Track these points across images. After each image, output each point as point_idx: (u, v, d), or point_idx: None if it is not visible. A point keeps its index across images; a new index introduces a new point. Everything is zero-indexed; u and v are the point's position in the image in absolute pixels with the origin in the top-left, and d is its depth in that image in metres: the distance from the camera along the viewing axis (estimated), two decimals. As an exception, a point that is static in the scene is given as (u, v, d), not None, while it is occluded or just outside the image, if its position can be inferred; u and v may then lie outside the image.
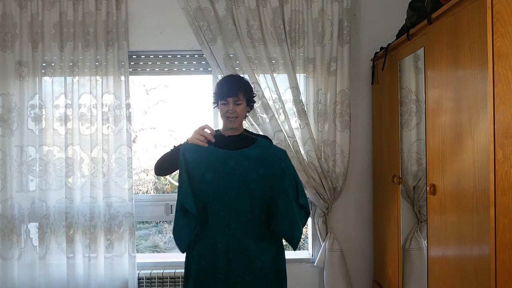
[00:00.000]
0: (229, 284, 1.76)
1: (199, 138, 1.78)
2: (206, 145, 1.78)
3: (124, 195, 2.70)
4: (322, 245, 2.76)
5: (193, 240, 1.82)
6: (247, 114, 2.02)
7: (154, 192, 6.75)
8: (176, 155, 1.83)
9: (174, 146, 1.92)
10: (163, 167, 1.92)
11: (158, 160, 1.94)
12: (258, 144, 1.83)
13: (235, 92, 1.86)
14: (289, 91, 2.70)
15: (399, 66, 2.34)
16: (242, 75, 2.57)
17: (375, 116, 2.78)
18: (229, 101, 1.86)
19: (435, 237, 1.92)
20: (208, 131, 1.81)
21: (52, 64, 2.69)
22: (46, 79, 2.72)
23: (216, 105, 1.96)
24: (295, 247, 1.81)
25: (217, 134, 1.89)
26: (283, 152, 1.83)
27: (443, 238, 1.84)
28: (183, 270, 2.74)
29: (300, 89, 2.72)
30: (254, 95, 2.00)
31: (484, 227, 1.51)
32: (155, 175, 1.95)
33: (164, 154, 1.93)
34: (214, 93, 1.95)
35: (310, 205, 2.83)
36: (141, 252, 5.72)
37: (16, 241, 2.68)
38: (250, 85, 1.99)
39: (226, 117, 1.89)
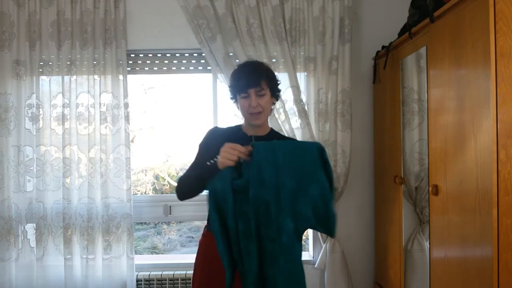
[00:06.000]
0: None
1: (229, 156, 1.38)
2: (233, 164, 1.38)
3: (122, 195, 2.68)
4: (323, 247, 2.74)
5: None
6: (273, 107, 1.68)
7: (152, 192, 6.73)
8: (205, 178, 1.44)
9: (208, 163, 1.50)
10: (188, 193, 1.54)
11: (181, 182, 1.56)
12: None
13: (257, 81, 1.53)
14: (289, 90, 2.68)
15: (401, 65, 2.32)
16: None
17: (377, 115, 2.76)
18: (251, 93, 1.53)
19: (437, 238, 1.90)
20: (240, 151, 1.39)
21: (50, 63, 2.67)
22: (44, 78, 2.71)
23: (235, 99, 1.62)
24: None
25: (239, 132, 1.61)
26: None
27: (445, 239, 1.82)
28: (181, 272, 2.76)
29: (301, 88, 2.69)
30: (279, 82, 1.65)
31: (486, 228, 1.49)
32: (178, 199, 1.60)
33: (190, 175, 1.56)
34: (230, 86, 1.62)
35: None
36: (140, 254, 5.70)
37: (13, 242, 2.66)
38: (272, 71, 1.65)
39: (249, 113, 1.56)
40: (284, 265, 1.39)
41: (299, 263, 1.42)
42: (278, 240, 1.38)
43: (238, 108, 1.64)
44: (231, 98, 1.64)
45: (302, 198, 1.37)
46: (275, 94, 1.62)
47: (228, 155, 1.38)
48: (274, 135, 1.68)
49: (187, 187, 1.56)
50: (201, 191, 1.54)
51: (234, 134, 1.64)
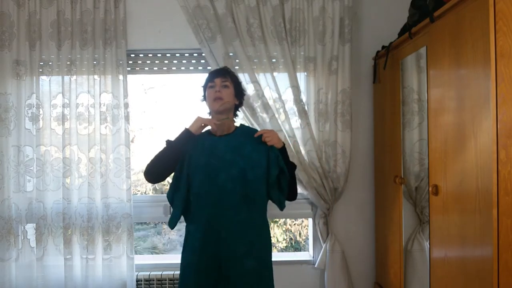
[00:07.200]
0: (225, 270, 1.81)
1: (206, 122, 1.86)
2: (214, 125, 1.86)
3: (122, 195, 2.67)
4: (323, 247, 2.74)
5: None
6: (238, 112, 1.98)
7: (152, 192, 6.71)
8: (173, 152, 1.83)
9: (168, 141, 1.87)
10: (157, 171, 1.86)
11: (150, 162, 1.84)
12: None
13: (223, 74, 1.86)
14: (289, 90, 2.68)
15: (401, 65, 2.32)
16: (242, 74, 2.62)
17: (377, 115, 2.76)
18: (216, 82, 1.83)
19: (437, 238, 1.90)
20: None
21: (50, 63, 2.66)
22: (44, 78, 2.70)
23: (204, 98, 1.94)
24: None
25: (206, 132, 1.92)
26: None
27: (445, 239, 1.82)
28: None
29: (301, 88, 2.69)
30: (244, 92, 2.00)
31: (486, 228, 1.49)
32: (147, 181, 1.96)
33: (158, 154, 1.85)
34: (202, 86, 1.95)
35: (311, 206, 2.82)
36: (140, 254, 5.68)
37: (13, 242, 2.66)
38: (239, 79, 2.00)
39: (213, 99, 1.84)
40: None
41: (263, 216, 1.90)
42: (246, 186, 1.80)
43: (207, 105, 1.91)
44: (202, 97, 1.94)
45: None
46: (239, 95, 1.91)
47: (205, 121, 1.85)
48: (242, 129, 1.92)
49: (157, 161, 1.84)
50: (171, 164, 1.83)
51: (203, 134, 1.92)
